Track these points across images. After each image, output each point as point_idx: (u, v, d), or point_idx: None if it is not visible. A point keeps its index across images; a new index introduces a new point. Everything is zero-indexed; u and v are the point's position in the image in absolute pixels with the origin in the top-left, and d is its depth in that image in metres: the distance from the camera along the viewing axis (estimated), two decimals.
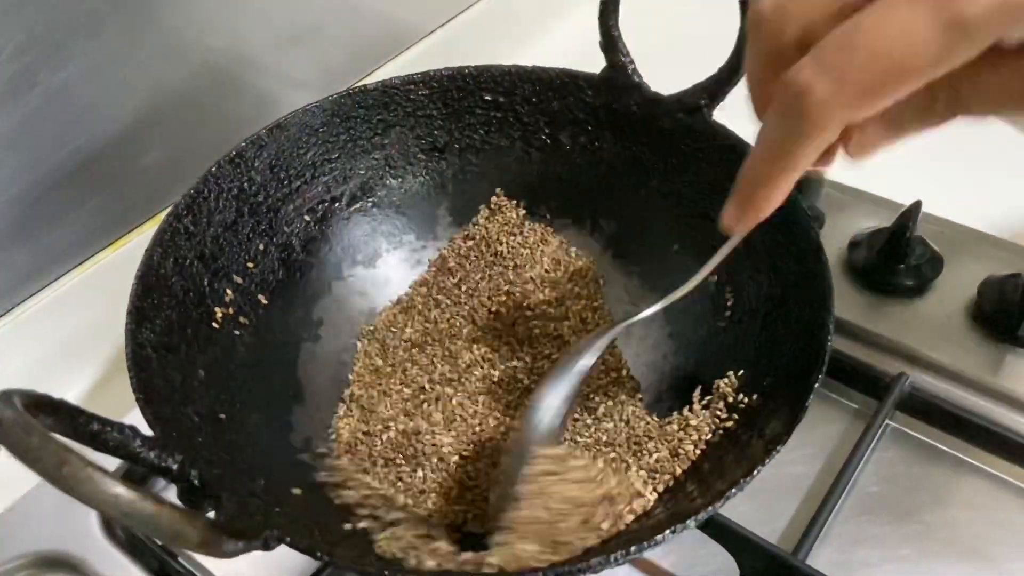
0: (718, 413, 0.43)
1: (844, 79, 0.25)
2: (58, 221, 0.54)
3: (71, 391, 0.58)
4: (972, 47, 0.25)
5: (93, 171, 0.54)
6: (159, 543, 0.48)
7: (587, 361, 0.44)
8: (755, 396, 0.42)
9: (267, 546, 0.32)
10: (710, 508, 0.34)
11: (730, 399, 0.43)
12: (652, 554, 0.47)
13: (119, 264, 0.57)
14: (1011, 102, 0.28)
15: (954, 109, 0.28)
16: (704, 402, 0.44)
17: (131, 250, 0.58)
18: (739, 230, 0.33)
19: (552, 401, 0.42)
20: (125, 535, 0.49)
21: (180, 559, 0.47)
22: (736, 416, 0.42)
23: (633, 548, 0.33)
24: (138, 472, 0.48)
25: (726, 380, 0.44)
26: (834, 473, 0.48)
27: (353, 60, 0.70)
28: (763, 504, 0.48)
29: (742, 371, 0.44)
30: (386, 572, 0.33)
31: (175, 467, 0.34)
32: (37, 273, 0.55)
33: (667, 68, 0.52)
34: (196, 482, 0.34)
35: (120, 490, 0.27)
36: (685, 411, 0.44)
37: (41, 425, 0.28)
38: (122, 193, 0.57)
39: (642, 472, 0.42)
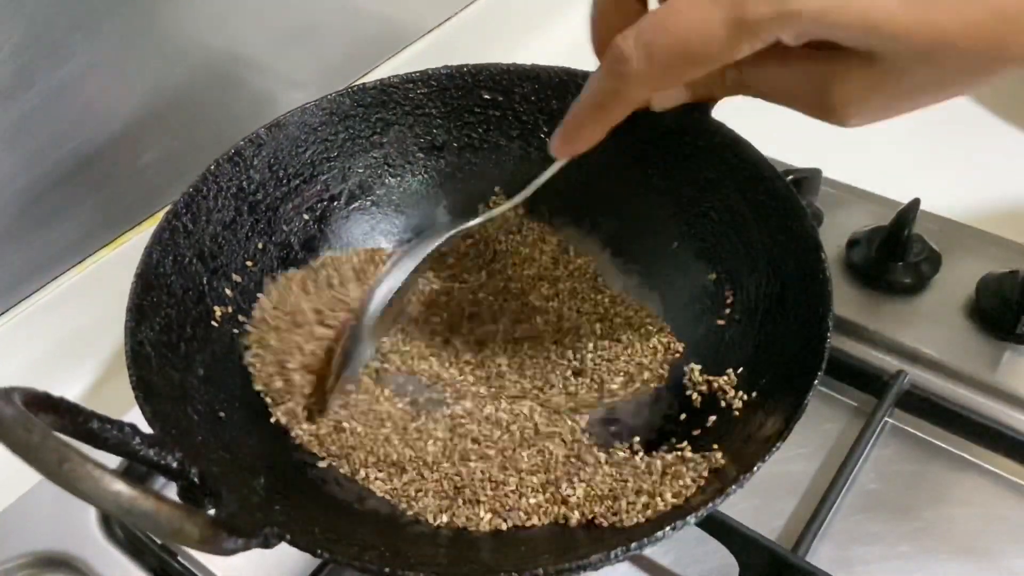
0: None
1: (652, 57, 0.31)
2: (57, 220, 0.54)
3: (71, 390, 0.58)
4: (753, 43, 0.30)
5: (91, 170, 0.54)
6: (158, 542, 0.48)
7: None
8: (754, 393, 0.42)
9: (267, 543, 0.32)
10: (710, 504, 0.34)
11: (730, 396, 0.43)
12: (652, 552, 0.47)
13: (118, 263, 0.57)
14: (782, 94, 0.33)
15: (738, 88, 0.34)
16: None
17: (130, 249, 0.58)
18: (562, 156, 0.40)
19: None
20: (124, 534, 0.49)
21: (179, 558, 0.47)
22: (735, 414, 0.42)
23: (633, 545, 0.33)
24: (139, 471, 0.48)
25: (725, 378, 0.44)
26: (833, 470, 0.48)
27: (351, 59, 0.70)
28: (762, 502, 0.48)
29: (741, 368, 0.44)
30: (387, 569, 0.32)
31: (175, 464, 0.34)
32: (36, 272, 0.55)
33: None
34: (196, 479, 0.34)
35: (120, 487, 0.27)
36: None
37: (41, 423, 0.28)
38: (120, 192, 0.57)
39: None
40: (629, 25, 0.32)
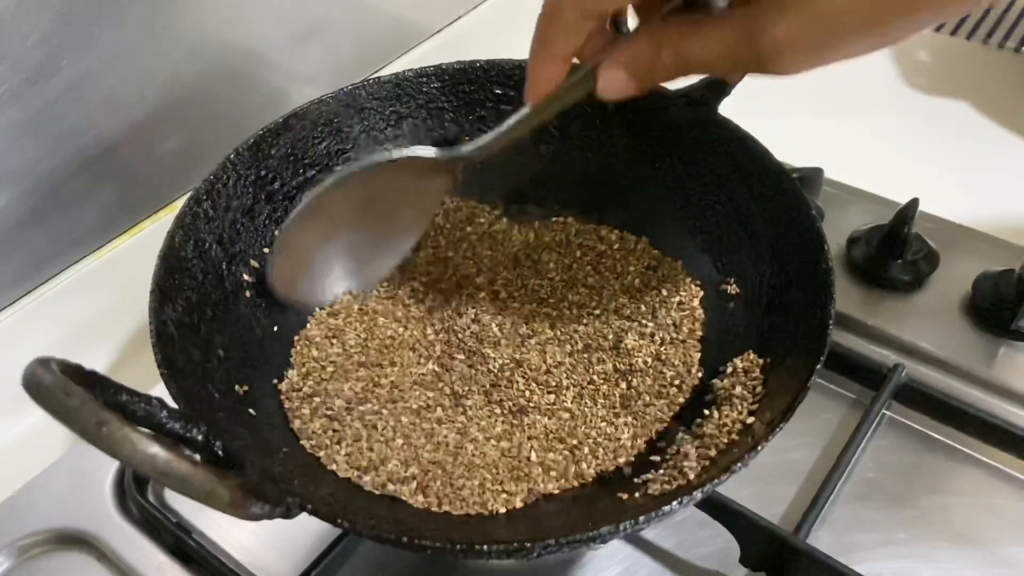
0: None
1: None
2: (77, 206, 0.55)
3: None
4: None
5: (111, 159, 0.56)
6: (173, 520, 0.49)
7: None
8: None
9: (289, 513, 0.33)
10: (715, 481, 0.35)
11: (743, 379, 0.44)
12: (655, 535, 0.48)
13: (135, 250, 0.58)
14: (719, 57, 0.33)
15: (677, 66, 0.35)
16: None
17: (146, 237, 0.59)
18: (529, 100, 0.42)
19: None
20: (140, 512, 0.50)
21: (194, 536, 0.48)
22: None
23: (642, 518, 0.34)
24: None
25: (731, 365, 0.46)
26: (832, 460, 0.49)
27: (363, 56, 0.72)
28: (764, 489, 0.49)
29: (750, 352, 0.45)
30: (404, 539, 0.34)
31: (200, 438, 0.35)
32: (56, 257, 0.56)
33: None
34: (220, 452, 0.35)
35: (157, 450, 0.28)
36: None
37: (79, 388, 0.29)
38: (138, 181, 0.59)
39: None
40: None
